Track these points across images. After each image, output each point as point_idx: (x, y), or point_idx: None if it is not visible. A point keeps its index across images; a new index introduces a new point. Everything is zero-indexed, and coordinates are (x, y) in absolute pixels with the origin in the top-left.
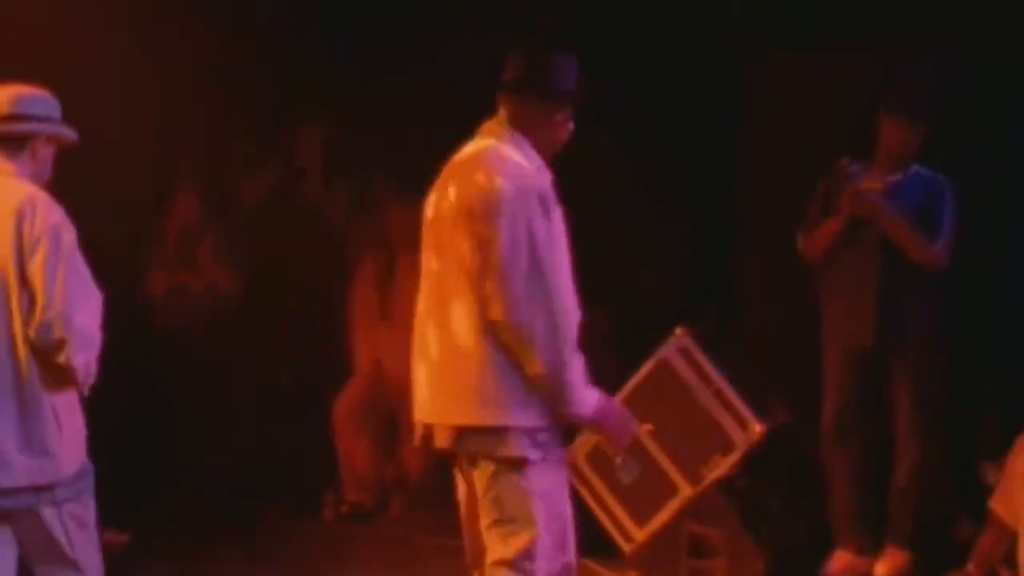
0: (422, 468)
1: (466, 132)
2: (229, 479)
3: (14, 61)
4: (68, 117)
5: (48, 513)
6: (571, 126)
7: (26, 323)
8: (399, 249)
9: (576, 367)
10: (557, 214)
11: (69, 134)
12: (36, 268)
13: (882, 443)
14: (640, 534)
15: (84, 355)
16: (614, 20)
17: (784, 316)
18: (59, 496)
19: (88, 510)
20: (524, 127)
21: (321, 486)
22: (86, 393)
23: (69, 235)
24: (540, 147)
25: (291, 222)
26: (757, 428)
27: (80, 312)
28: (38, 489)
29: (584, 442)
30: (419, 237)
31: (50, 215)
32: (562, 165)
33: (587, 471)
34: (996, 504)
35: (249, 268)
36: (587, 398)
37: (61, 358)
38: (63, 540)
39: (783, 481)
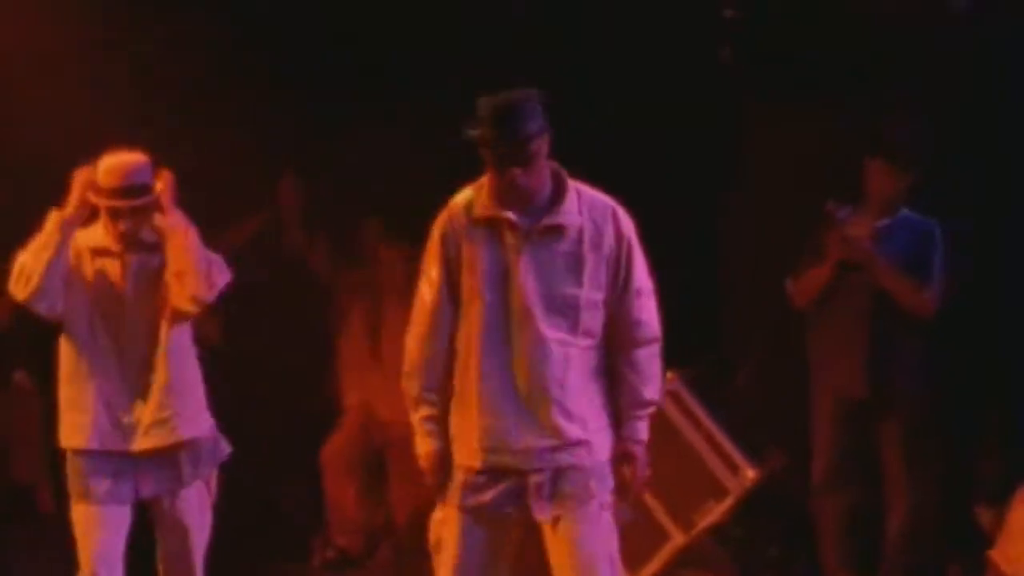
0: (411, 514)
1: (454, 177)
2: (215, 525)
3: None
4: (48, 168)
5: None
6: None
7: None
8: (388, 293)
9: None
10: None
11: (93, 199)
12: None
13: (874, 488)
14: None
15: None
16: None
17: (778, 361)
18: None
19: None
20: None
21: (309, 532)
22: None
23: None
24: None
25: (275, 269)
26: (750, 474)
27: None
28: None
29: None
30: (408, 280)
31: None
32: None
33: None
34: (997, 555)
35: (234, 315)
36: None
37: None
38: None
39: (778, 528)
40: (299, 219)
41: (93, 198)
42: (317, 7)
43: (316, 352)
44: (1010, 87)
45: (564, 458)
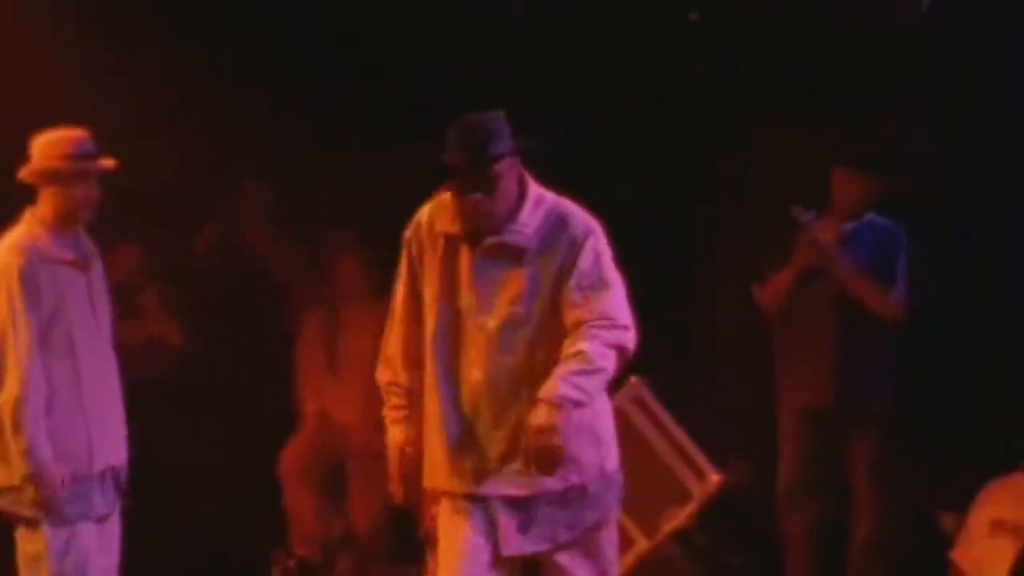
0: (371, 524)
1: (416, 187)
2: (175, 538)
3: None
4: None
5: None
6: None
7: None
8: (344, 300)
9: None
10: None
11: (51, 165)
12: None
13: (841, 500)
14: None
15: None
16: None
17: (748, 370)
18: None
19: None
20: None
21: (269, 545)
22: None
23: None
24: None
25: (236, 276)
26: (714, 478)
27: None
28: None
29: None
30: (366, 289)
31: None
32: None
33: None
34: (959, 556)
35: (194, 322)
36: None
37: None
38: None
39: (745, 539)
40: (260, 225)
41: (56, 164)
42: (317, 7)
43: (279, 359)
44: (1010, 87)
45: None
